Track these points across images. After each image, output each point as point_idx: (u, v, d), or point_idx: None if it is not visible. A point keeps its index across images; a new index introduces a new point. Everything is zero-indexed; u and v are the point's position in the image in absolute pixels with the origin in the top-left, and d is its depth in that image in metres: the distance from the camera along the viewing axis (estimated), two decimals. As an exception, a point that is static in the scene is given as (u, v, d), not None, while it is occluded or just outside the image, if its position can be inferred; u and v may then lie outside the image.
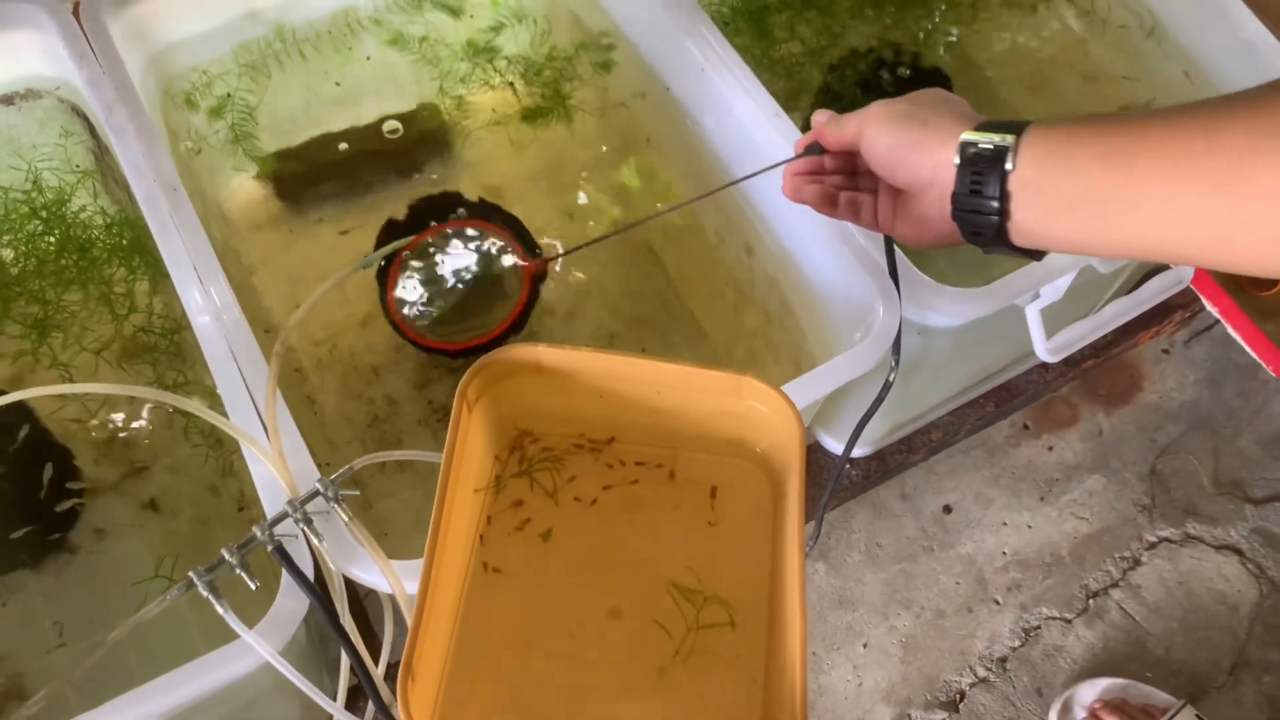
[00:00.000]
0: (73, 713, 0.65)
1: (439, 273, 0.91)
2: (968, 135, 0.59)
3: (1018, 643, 1.28)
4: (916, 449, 1.22)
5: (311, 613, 0.70)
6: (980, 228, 0.59)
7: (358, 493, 0.71)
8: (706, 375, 0.62)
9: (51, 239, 0.93)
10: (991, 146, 0.58)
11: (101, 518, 0.94)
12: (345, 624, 0.71)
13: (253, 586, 0.67)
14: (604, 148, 1.13)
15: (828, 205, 0.73)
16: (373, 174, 1.11)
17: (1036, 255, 0.62)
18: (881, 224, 0.70)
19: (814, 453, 1.20)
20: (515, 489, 0.65)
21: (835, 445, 1.21)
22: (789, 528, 0.57)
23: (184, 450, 0.97)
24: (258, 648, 0.66)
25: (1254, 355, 1.28)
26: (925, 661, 1.27)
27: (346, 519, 0.70)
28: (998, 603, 1.31)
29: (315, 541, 0.70)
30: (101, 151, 0.98)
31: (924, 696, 1.25)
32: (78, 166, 0.98)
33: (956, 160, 0.59)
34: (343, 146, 1.11)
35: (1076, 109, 1.21)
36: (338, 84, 1.10)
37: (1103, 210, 0.53)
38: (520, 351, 0.61)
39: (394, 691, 0.72)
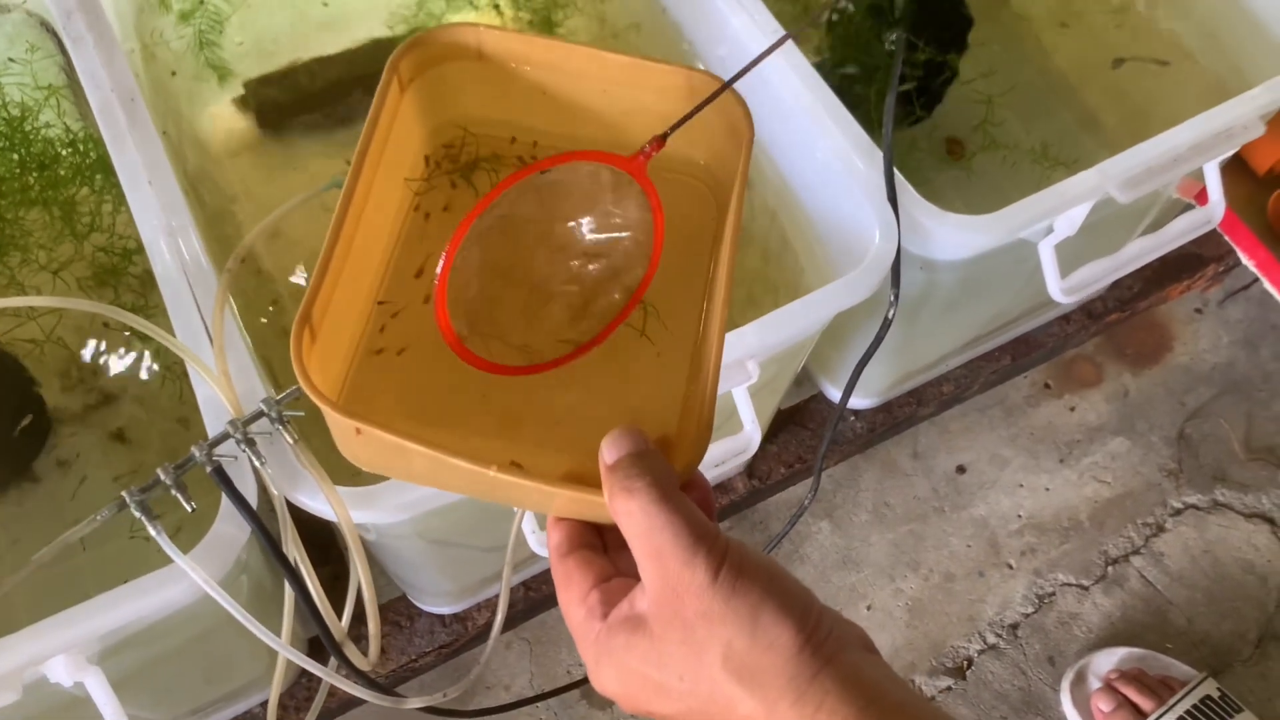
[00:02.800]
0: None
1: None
2: None
3: (1030, 609, 1.22)
4: (927, 402, 1.16)
5: (269, 559, 0.66)
6: None
7: (303, 413, 0.66)
8: (653, 69, 0.56)
9: (14, 156, 0.89)
10: None
11: (66, 448, 0.91)
12: (289, 553, 0.67)
13: (189, 508, 0.63)
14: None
15: None
16: (360, 102, 1.06)
17: None
18: None
19: (816, 403, 1.15)
20: (446, 189, 0.60)
21: (838, 393, 1.15)
22: (726, 234, 0.52)
23: (154, 382, 0.93)
24: (190, 573, 0.62)
25: (1290, 311, 1.21)
26: (932, 626, 1.21)
27: (292, 440, 0.66)
28: (1010, 567, 1.25)
29: (258, 464, 0.66)
30: (71, 69, 0.94)
31: (930, 662, 1.19)
32: (47, 85, 0.94)
33: None
34: (328, 74, 1.06)
35: (1109, 44, 1.14)
36: (325, 4, 1.06)
37: None
38: (460, 30, 0.56)
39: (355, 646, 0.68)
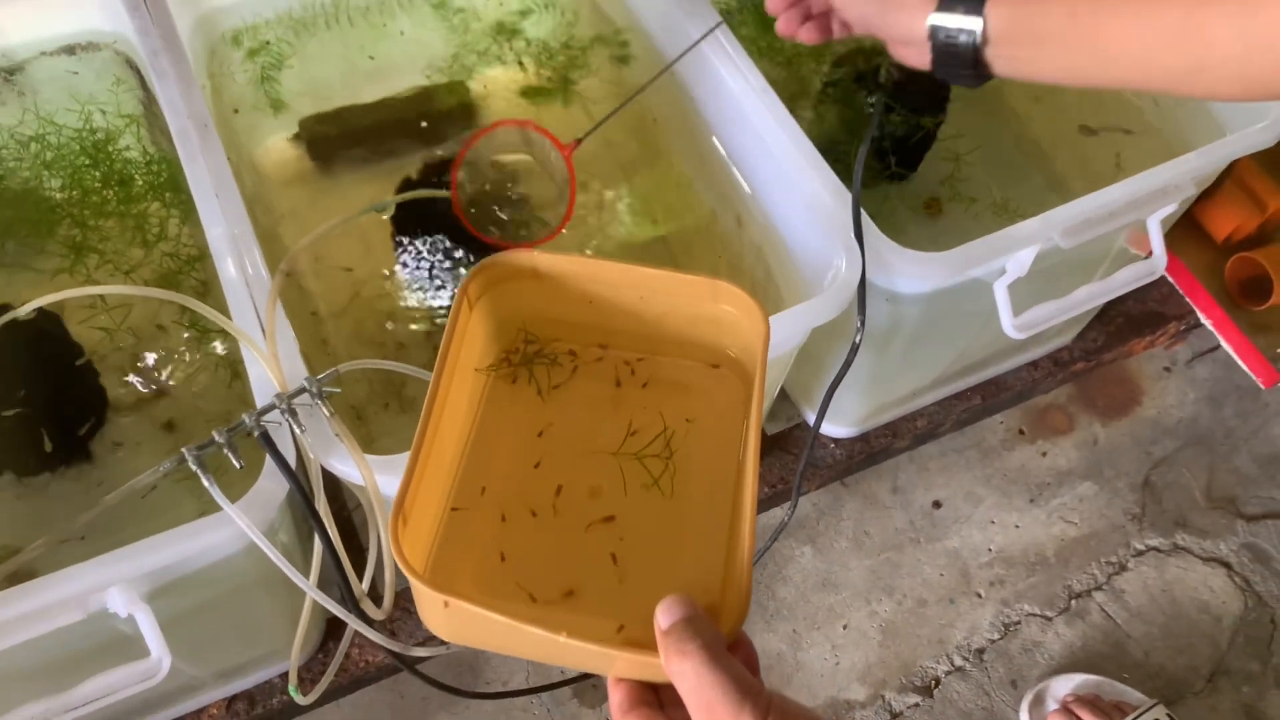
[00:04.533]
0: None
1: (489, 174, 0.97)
2: (937, 15, 0.68)
3: (996, 635, 1.31)
4: (902, 435, 1.26)
5: (298, 518, 0.76)
6: (957, 78, 0.70)
7: (339, 390, 0.78)
8: (684, 280, 0.66)
9: (96, 173, 1.02)
10: (956, 26, 0.67)
11: (120, 433, 1.02)
12: (320, 509, 0.78)
13: (238, 465, 0.74)
14: (616, 129, 1.20)
15: (822, 34, 0.81)
16: (398, 141, 1.19)
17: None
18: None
19: (800, 430, 1.25)
20: (512, 382, 0.70)
21: (823, 426, 1.26)
22: (752, 416, 0.61)
23: (203, 380, 1.04)
24: (237, 519, 0.73)
25: (1245, 368, 1.31)
26: (903, 647, 1.30)
27: (328, 414, 0.77)
28: (980, 596, 1.34)
29: (298, 432, 0.77)
30: (149, 100, 1.07)
31: (899, 680, 1.28)
32: (127, 113, 1.07)
33: (928, 32, 0.69)
34: (373, 116, 1.19)
35: (1080, 118, 1.25)
36: (371, 58, 1.19)
37: (1070, 62, 0.63)
38: (518, 256, 0.66)
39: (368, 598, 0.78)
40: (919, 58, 0.72)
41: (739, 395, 0.70)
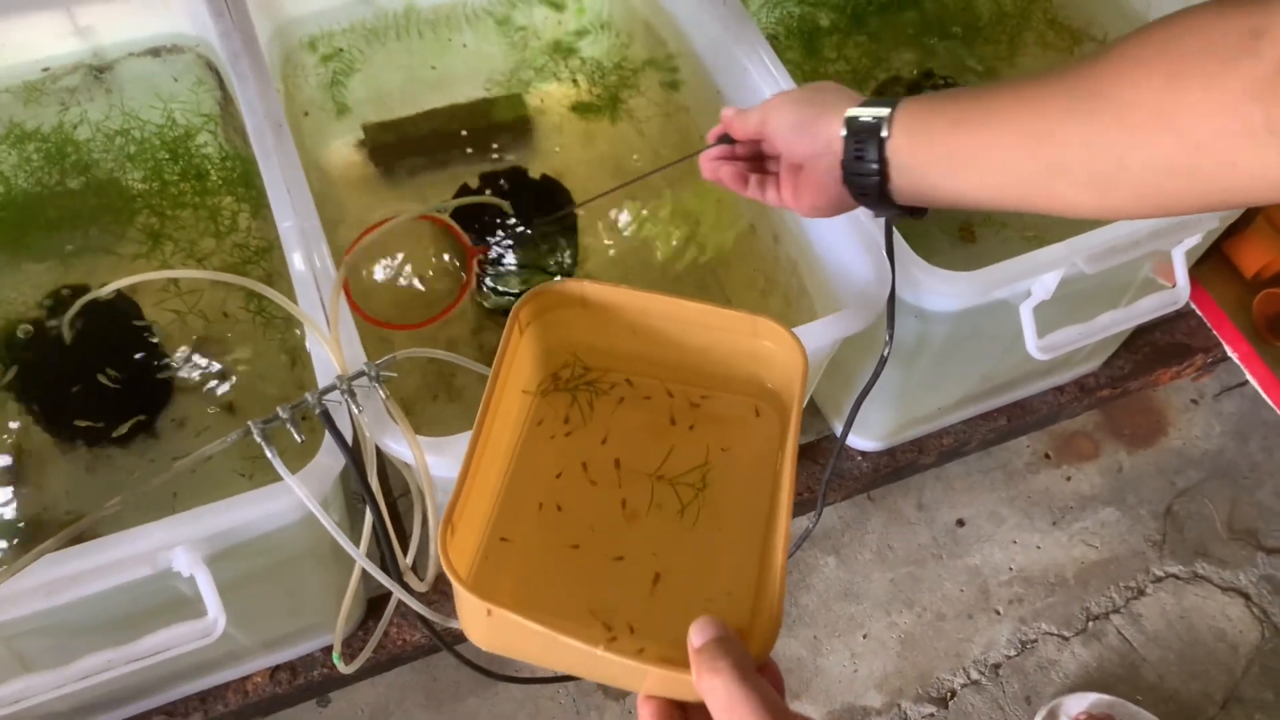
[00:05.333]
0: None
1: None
2: (852, 111, 0.70)
3: (1013, 652, 1.34)
4: (928, 451, 1.30)
5: (348, 498, 0.82)
6: (865, 189, 0.70)
7: (395, 375, 0.83)
8: (726, 315, 0.70)
9: (175, 167, 1.08)
10: (871, 119, 0.69)
11: (184, 411, 1.08)
12: (372, 485, 0.83)
13: (298, 439, 0.80)
14: (663, 146, 1.26)
15: (740, 183, 0.83)
16: (457, 150, 1.25)
17: (918, 214, 0.73)
18: (784, 198, 0.80)
19: (828, 442, 1.29)
20: (557, 405, 0.74)
21: (851, 439, 1.30)
22: (787, 449, 0.64)
23: (265, 364, 1.11)
24: (295, 488, 0.78)
25: (1270, 402, 1.33)
26: (921, 658, 1.33)
27: (384, 396, 0.83)
28: (998, 613, 1.37)
29: (355, 411, 0.82)
30: (226, 101, 1.14)
31: (916, 690, 1.31)
32: (205, 112, 1.14)
33: (843, 132, 0.70)
34: (433, 124, 1.26)
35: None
36: (434, 68, 1.25)
37: (953, 168, 0.64)
38: (568, 285, 0.70)
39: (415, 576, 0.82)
40: (830, 175, 0.73)
41: (775, 427, 0.73)
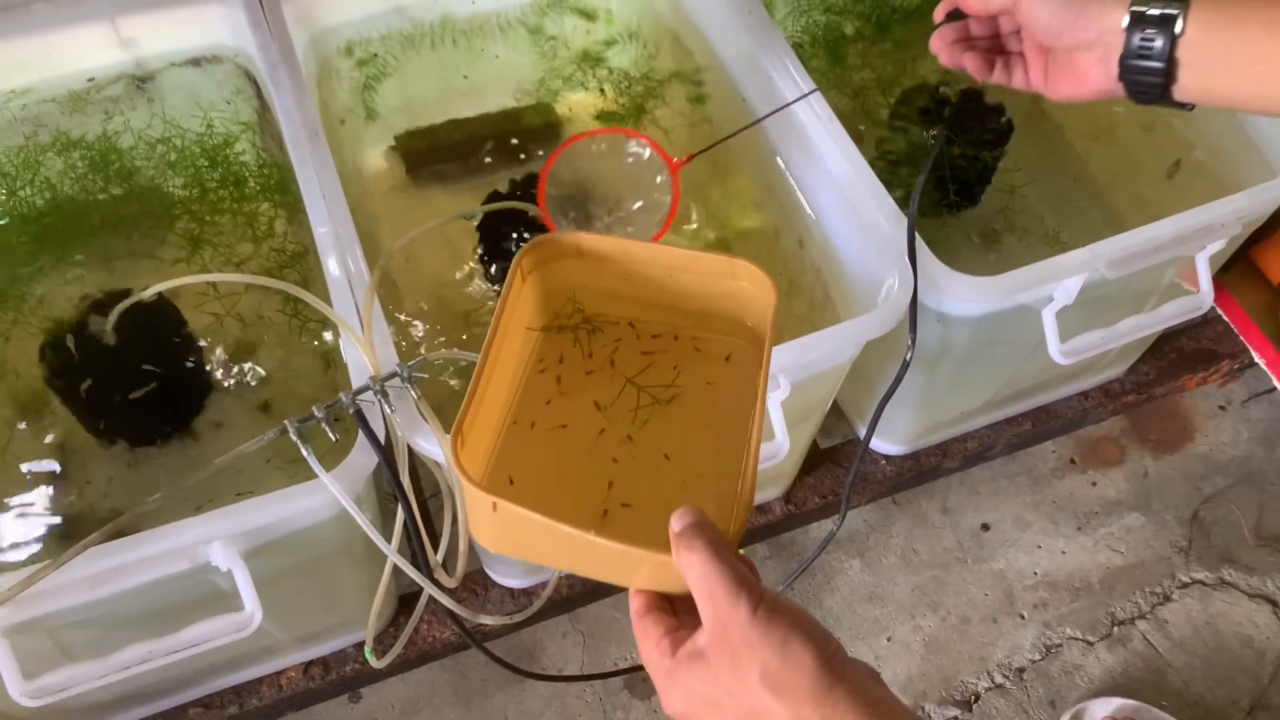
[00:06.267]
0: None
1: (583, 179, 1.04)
2: (1137, 4, 0.68)
3: (1038, 656, 1.34)
4: (952, 455, 1.31)
5: (381, 497, 0.84)
6: (1145, 87, 0.69)
7: (427, 375, 0.86)
8: (707, 259, 0.75)
9: (214, 174, 1.12)
10: (1159, 13, 0.67)
11: (221, 411, 1.11)
12: (404, 483, 0.85)
13: (333, 438, 0.82)
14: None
15: (984, 69, 0.80)
16: (486, 157, 1.28)
17: (1188, 107, 0.71)
18: (1033, 82, 0.79)
19: (852, 446, 1.30)
20: (560, 343, 0.79)
21: (875, 442, 1.31)
22: (762, 372, 0.68)
23: (300, 365, 1.13)
24: (330, 485, 0.81)
25: (1297, 408, 1.33)
26: (945, 661, 1.34)
27: (416, 396, 0.85)
28: (1023, 617, 1.37)
29: (388, 411, 0.85)
30: (263, 110, 1.17)
31: (940, 693, 1.32)
32: (244, 120, 1.17)
33: (1126, 22, 0.68)
34: (464, 132, 1.28)
35: (1135, 158, 1.30)
36: (465, 77, 1.28)
37: (1267, 72, 0.63)
38: (565, 237, 0.75)
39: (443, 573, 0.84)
40: (1100, 67, 0.71)
41: (755, 361, 0.77)
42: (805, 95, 0.78)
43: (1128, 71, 0.70)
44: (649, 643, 0.57)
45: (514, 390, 0.76)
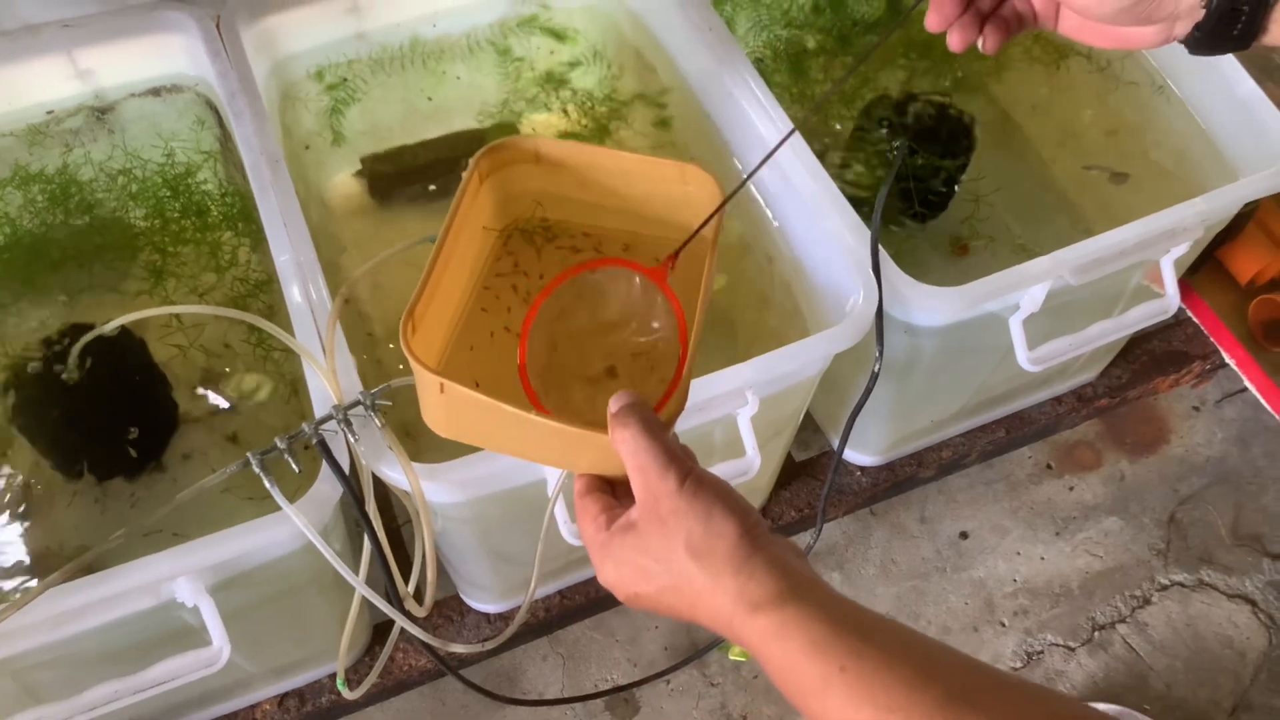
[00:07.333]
0: (143, 557, 0.80)
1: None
2: None
3: (1019, 664, 1.34)
4: (927, 465, 1.31)
5: (350, 526, 0.83)
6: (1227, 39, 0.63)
7: (391, 404, 0.85)
8: (659, 164, 0.76)
9: (176, 204, 1.11)
10: None
11: (189, 443, 1.10)
12: (370, 511, 0.85)
13: (296, 469, 0.81)
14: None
15: (1003, 37, 0.71)
16: (451, 179, 1.27)
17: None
18: (1063, 30, 0.71)
19: (827, 458, 1.30)
20: (517, 247, 0.80)
21: (850, 454, 1.31)
22: (705, 267, 0.70)
23: (267, 394, 1.12)
24: (294, 517, 0.80)
25: (1269, 408, 1.34)
26: (927, 672, 1.33)
27: (380, 424, 0.84)
28: (1003, 625, 1.37)
29: (352, 441, 0.84)
30: (225, 138, 1.16)
31: (922, 704, 1.31)
32: (205, 149, 1.16)
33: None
34: (428, 155, 1.28)
35: (1100, 163, 1.30)
36: (430, 99, 1.28)
37: None
38: (523, 141, 0.76)
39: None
40: (1162, 32, 0.64)
41: (701, 260, 0.74)
42: (786, 137, 0.78)
43: (1212, 15, 0.63)
44: (587, 519, 0.61)
45: (472, 284, 0.77)
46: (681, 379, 0.65)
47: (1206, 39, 0.65)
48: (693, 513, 0.56)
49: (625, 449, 0.58)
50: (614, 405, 0.60)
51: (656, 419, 0.60)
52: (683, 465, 0.57)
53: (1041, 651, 1.35)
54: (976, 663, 0.54)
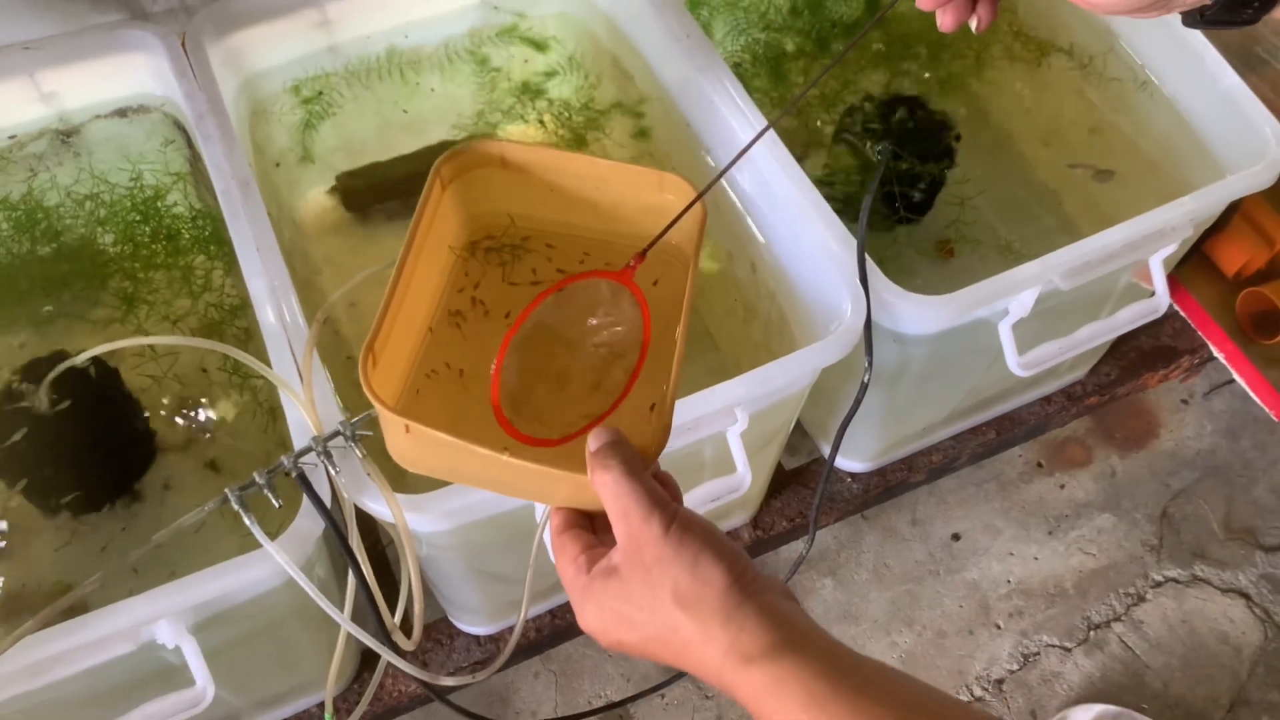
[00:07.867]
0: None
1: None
2: None
3: (1016, 666, 1.33)
4: (918, 469, 1.30)
5: (334, 552, 0.81)
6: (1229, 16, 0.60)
7: (371, 433, 0.83)
8: (634, 170, 0.72)
9: (146, 228, 1.08)
10: None
11: (167, 472, 1.08)
12: (354, 544, 0.83)
13: (276, 505, 0.79)
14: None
15: (993, 11, 0.69)
16: (429, 192, 1.25)
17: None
18: None
19: (818, 465, 1.29)
20: (483, 265, 0.75)
21: (840, 461, 1.29)
22: (687, 289, 0.67)
23: (244, 422, 1.10)
24: (275, 555, 0.78)
25: (1258, 400, 1.33)
26: (923, 677, 1.31)
27: (361, 455, 0.82)
28: (999, 627, 1.36)
29: (333, 473, 0.82)
30: (195, 159, 1.14)
31: (920, 710, 1.30)
32: (175, 171, 1.13)
33: None
34: (403, 169, 1.25)
35: (1084, 161, 1.29)
36: (405, 111, 1.25)
37: None
38: (488, 144, 0.72)
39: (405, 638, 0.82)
40: None
41: (681, 278, 0.73)
42: (761, 133, 0.75)
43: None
44: (565, 559, 0.58)
45: (434, 308, 0.72)
46: (664, 409, 0.62)
47: (1218, 11, 0.61)
48: (679, 560, 0.53)
49: (606, 492, 0.55)
50: (593, 444, 0.57)
51: (638, 457, 0.57)
52: (667, 509, 0.55)
53: (1038, 653, 1.34)
54: (986, 716, 0.52)
